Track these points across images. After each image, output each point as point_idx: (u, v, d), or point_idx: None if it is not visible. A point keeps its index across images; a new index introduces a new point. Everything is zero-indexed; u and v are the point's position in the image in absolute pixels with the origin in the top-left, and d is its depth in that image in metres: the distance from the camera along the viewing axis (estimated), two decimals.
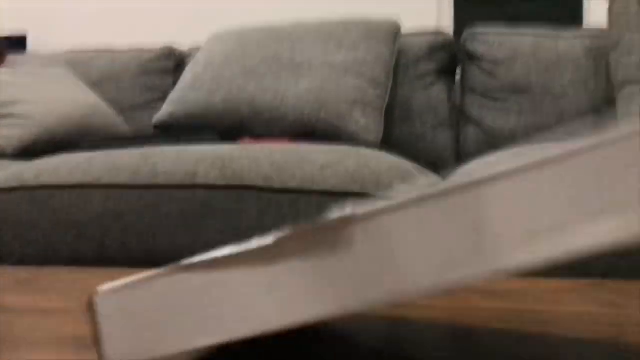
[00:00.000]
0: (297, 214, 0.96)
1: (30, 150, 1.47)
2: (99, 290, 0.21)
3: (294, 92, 1.52)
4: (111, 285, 0.21)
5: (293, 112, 1.50)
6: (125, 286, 0.21)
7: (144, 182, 1.00)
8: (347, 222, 0.19)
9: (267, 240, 0.19)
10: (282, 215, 0.96)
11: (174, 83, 1.89)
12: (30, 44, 2.42)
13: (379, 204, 0.18)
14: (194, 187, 0.99)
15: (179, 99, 1.60)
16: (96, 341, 0.21)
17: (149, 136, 1.30)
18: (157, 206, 0.99)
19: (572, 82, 1.46)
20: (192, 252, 0.98)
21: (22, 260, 1.03)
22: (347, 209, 0.19)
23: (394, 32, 1.62)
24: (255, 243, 0.20)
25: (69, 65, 1.91)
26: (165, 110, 1.62)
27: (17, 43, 2.36)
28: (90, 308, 0.21)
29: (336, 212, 0.19)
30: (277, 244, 0.19)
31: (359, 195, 0.95)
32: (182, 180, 0.99)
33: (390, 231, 0.18)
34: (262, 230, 0.96)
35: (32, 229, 1.03)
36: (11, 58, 1.98)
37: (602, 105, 1.42)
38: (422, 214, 0.18)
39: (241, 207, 0.97)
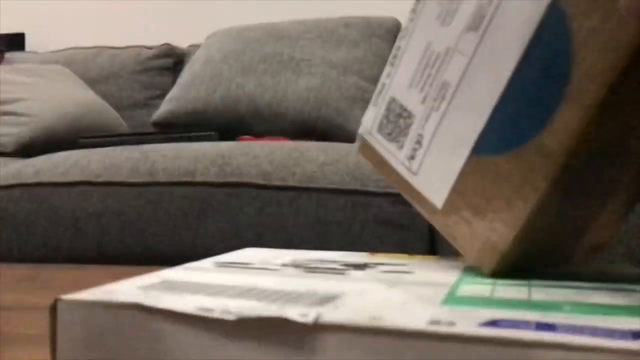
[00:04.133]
0: (296, 211, 0.95)
1: (29, 148, 1.47)
2: (62, 298, 0.21)
3: (294, 90, 1.51)
4: (76, 297, 0.21)
5: (293, 110, 1.50)
6: (88, 303, 0.21)
7: (143, 180, 1.00)
8: (317, 328, 0.18)
9: (231, 314, 0.19)
10: (281, 213, 0.95)
11: (173, 81, 1.89)
12: (28, 42, 2.41)
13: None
14: (193, 184, 0.98)
15: (178, 96, 1.60)
16: (52, 346, 0.21)
17: (147, 134, 1.29)
18: (156, 204, 0.99)
19: None
20: (192, 250, 0.97)
21: (21, 258, 1.03)
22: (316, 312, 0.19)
23: (394, 29, 1.61)
24: (219, 310, 0.19)
25: (68, 63, 1.91)
26: (164, 108, 1.61)
27: (15, 41, 2.36)
28: (52, 312, 0.21)
29: (301, 311, 0.19)
30: (239, 322, 0.19)
31: (359, 192, 0.95)
32: (182, 177, 0.99)
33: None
34: (261, 227, 0.96)
35: (31, 227, 1.02)
36: (9, 56, 1.98)
37: None
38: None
39: (241, 204, 0.97)
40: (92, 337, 0.20)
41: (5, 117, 1.51)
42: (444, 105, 0.26)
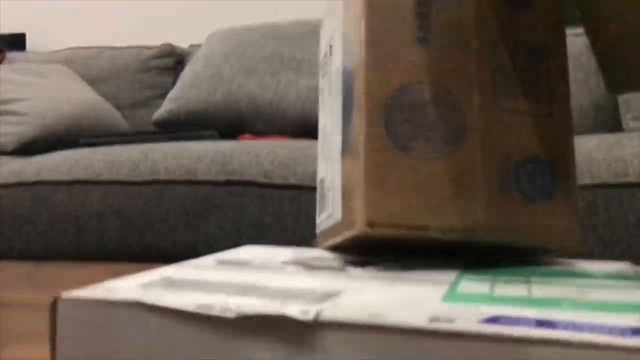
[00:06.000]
0: (297, 209, 0.95)
1: (30, 147, 1.47)
2: (62, 295, 0.21)
3: (294, 90, 1.51)
4: (76, 294, 0.21)
5: (293, 110, 1.50)
6: (88, 300, 0.21)
7: (144, 178, 1.00)
8: (317, 324, 0.18)
9: (231, 312, 0.19)
10: (282, 211, 0.95)
11: (174, 81, 1.89)
12: (29, 42, 2.41)
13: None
14: (194, 183, 0.98)
15: (179, 96, 1.60)
16: (52, 343, 0.21)
17: (148, 133, 1.30)
18: (157, 202, 0.99)
19: (573, 80, 1.46)
20: (193, 248, 0.97)
21: (22, 256, 1.03)
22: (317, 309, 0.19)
23: None
24: (219, 307, 0.19)
25: (69, 63, 1.91)
26: (165, 108, 1.61)
27: (16, 41, 2.36)
28: (53, 309, 0.21)
29: (301, 307, 0.19)
30: (239, 319, 0.19)
31: None
32: (183, 176, 0.99)
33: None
34: (262, 225, 0.96)
35: (32, 225, 1.02)
36: (10, 56, 1.98)
37: (603, 102, 1.42)
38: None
39: (242, 202, 0.97)
40: (92, 335, 0.20)
41: (7, 117, 1.52)
42: (326, 148, 0.32)
